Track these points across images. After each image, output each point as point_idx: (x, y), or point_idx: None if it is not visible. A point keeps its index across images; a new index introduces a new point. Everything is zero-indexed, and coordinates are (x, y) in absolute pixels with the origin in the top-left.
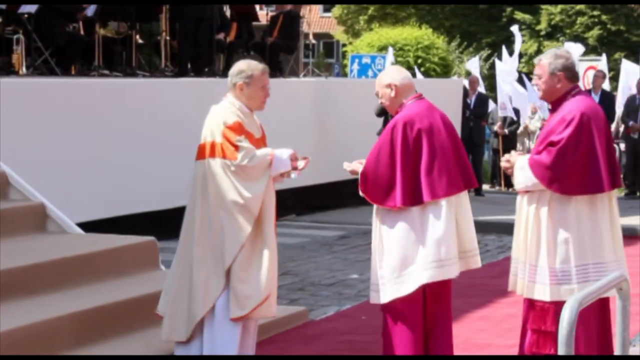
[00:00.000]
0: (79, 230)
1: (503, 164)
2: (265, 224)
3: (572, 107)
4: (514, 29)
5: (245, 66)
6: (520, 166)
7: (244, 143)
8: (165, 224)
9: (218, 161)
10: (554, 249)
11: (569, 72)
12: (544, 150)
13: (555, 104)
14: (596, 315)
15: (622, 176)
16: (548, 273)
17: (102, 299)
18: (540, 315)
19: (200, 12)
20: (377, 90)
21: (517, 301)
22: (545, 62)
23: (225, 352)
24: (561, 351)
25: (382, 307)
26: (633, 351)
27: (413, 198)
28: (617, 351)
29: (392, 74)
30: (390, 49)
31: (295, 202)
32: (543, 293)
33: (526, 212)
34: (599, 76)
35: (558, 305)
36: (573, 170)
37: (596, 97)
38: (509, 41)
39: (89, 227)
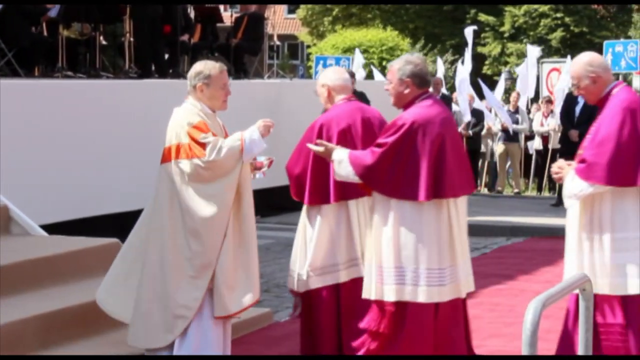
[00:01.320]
0: (43, 232)
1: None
2: (245, 217)
3: (407, 114)
4: (467, 32)
5: (202, 67)
6: (339, 159)
7: (209, 138)
8: (129, 225)
9: (185, 162)
10: (397, 250)
11: (418, 79)
12: (369, 150)
13: (405, 110)
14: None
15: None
16: (394, 273)
17: (67, 301)
18: (379, 316)
19: (154, 11)
20: (316, 90)
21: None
22: (395, 67)
23: (214, 351)
24: (525, 351)
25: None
26: None
27: (321, 197)
28: (580, 351)
29: (328, 74)
30: (357, 51)
31: (260, 204)
32: (379, 293)
33: (374, 214)
34: None
35: (395, 307)
36: (391, 175)
37: (580, 100)
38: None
39: (53, 229)
